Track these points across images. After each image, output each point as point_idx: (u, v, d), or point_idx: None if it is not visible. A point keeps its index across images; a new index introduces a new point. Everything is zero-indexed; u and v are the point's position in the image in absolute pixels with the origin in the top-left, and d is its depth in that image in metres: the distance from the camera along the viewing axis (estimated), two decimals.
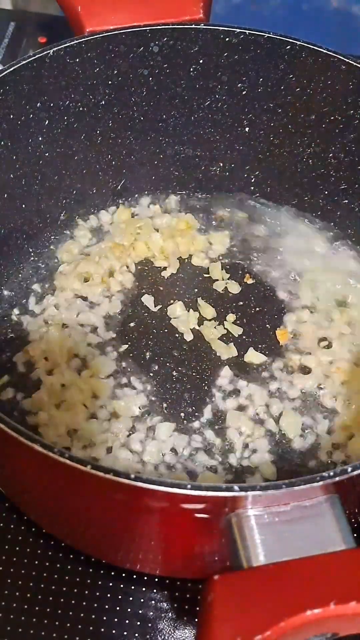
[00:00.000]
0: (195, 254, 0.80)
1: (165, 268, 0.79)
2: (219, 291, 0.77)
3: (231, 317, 0.75)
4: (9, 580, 0.62)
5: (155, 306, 0.76)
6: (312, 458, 0.66)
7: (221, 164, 0.83)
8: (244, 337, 0.74)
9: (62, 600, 0.61)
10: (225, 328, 0.74)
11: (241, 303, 0.76)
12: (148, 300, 0.76)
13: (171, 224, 0.82)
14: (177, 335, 0.74)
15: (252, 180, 0.83)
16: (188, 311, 0.75)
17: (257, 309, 0.76)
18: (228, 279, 0.78)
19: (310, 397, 0.70)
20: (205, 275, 0.79)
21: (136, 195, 0.84)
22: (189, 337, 0.73)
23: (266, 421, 0.68)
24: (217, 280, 0.78)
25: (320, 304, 0.75)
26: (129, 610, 0.61)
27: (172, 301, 0.76)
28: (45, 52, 0.68)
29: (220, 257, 0.80)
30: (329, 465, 0.65)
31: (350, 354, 0.71)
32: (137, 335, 0.74)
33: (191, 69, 0.75)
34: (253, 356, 0.72)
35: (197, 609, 0.43)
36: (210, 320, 0.75)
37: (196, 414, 0.68)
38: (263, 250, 0.80)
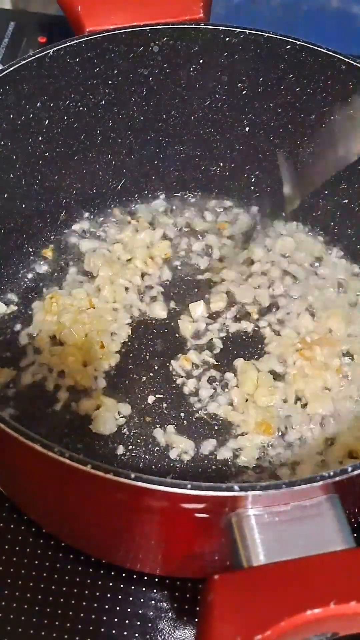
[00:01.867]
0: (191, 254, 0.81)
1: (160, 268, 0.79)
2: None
3: None
4: (9, 580, 0.62)
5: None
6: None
7: (221, 164, 0.83)
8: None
9: (62, 600, 0.61)
10: None
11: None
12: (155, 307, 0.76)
13: (167, 224, 0.82)
14: (177, 335, 0.74)
15: (252, 180, 0.83)
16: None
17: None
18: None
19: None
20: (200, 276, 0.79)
21: (136, 195, 0.84)
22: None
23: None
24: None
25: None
26: (129, 610, 0.61)
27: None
28: (45, 52, 0.68)
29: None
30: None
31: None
32: (138, 334, 0.74)
33: (191, 69, 0.75)
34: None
35: (197, 609, 0.43)
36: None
37: (195, 413, 0.68)
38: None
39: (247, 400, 0.69)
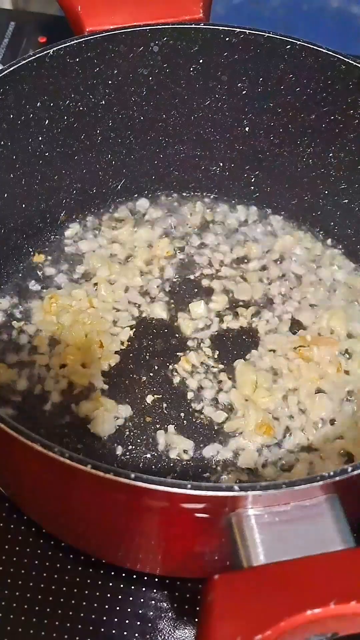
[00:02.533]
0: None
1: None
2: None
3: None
4: (9, 580, 0.62)
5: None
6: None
7: (221, 164, 0.83)
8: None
9: (62, 600, 0.61)
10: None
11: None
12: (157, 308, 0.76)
13: (167, 223, 0.82)
14: (177, 335, 0.74)
15: (252, 180, 0.83)
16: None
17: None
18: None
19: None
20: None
21: (136, 195, 0.84)
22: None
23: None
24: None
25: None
26: (129, 610, 0.61)
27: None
28: (45, 52, 0.68)
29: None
30: None
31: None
32: (138, 334, 0.74)
33: (191, 69, 0.75)
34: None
35: (197, 609, 0.43)
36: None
37: (195, 413, 0.68)
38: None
39: (246, 401, 0.69)
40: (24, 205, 0.75)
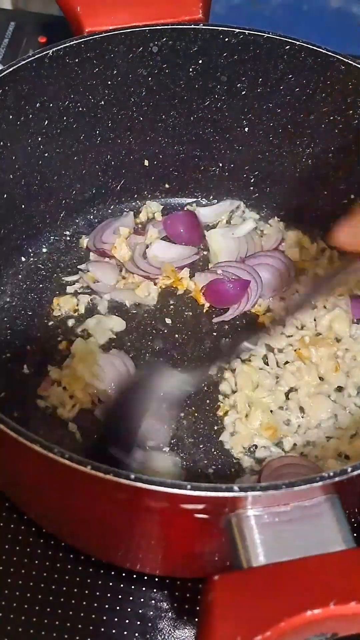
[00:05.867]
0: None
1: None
2: None
3: None
4: (9, 580, 0.62)
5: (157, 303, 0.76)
6: None
7: (221, 164, 0.83)
8: None
9: (62, 600, 0.61)
10: None
11: None
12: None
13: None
14: (176, 335, 0.74)
15: (252, 180, 0.83)
16: None
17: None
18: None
19: None
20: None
21: (135, 195, 0.84)
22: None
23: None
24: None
25: None
26: (129, 610, 0.61)
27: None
28: (45, 52, 0.68)
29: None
30: None
31: None
32: (138, 336, 0.74)
33: (191, 69, 0.75)
34: None
35: (197, 608, 0.43)
36: None
37: (196, 414, 0.68)
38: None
39: (248, 402, 0.69)
40: (23, 206, 0.75)
